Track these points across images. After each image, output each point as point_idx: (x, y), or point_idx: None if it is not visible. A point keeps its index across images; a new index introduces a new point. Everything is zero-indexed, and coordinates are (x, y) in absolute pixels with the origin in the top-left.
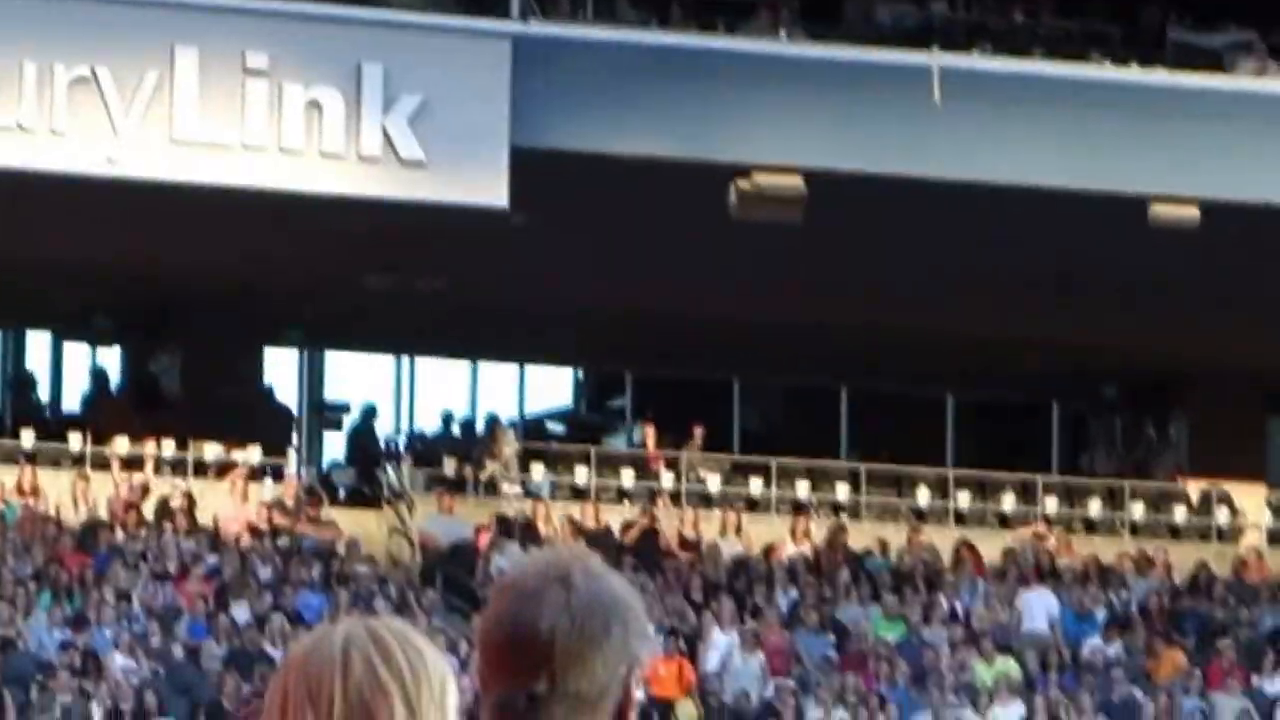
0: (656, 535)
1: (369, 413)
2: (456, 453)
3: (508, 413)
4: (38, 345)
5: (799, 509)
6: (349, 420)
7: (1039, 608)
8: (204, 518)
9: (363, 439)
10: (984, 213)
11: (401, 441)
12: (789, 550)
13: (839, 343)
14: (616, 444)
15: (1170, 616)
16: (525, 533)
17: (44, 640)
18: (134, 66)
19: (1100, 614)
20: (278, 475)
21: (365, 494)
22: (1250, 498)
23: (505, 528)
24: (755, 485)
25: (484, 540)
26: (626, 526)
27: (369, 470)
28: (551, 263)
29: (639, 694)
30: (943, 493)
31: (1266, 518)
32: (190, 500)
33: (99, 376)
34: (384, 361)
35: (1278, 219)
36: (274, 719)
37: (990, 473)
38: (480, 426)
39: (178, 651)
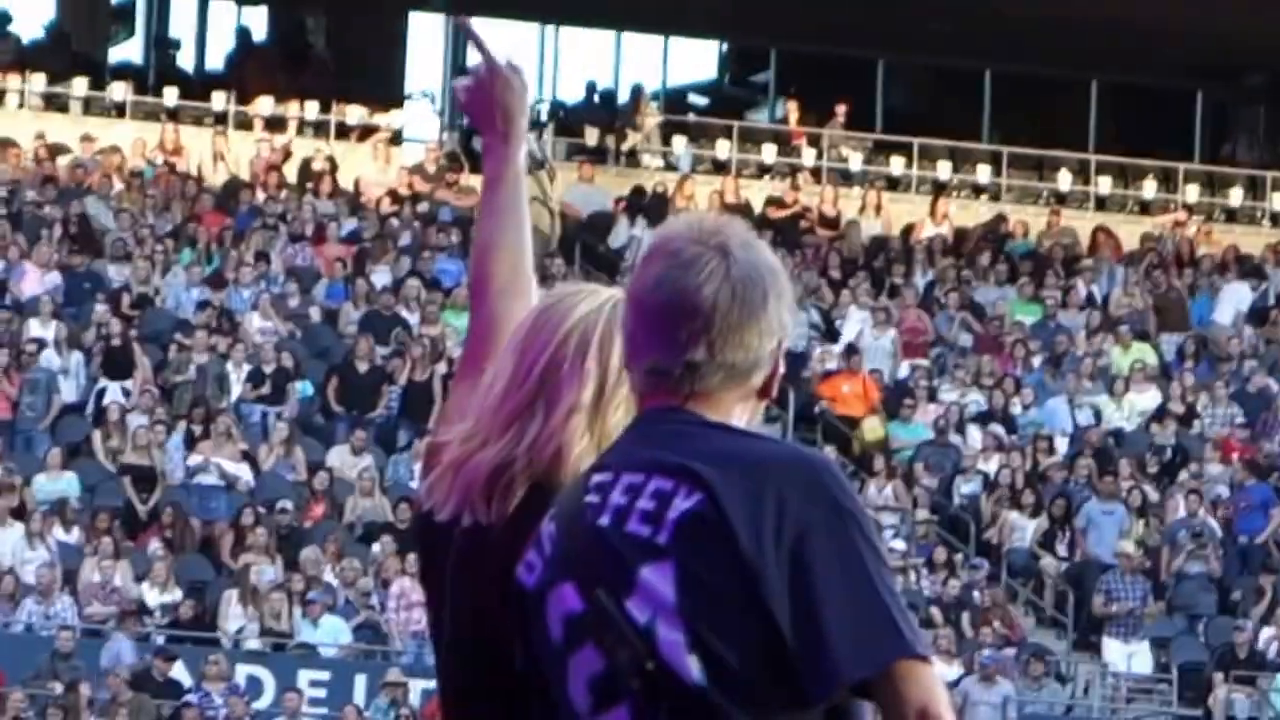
0: (798, 213)
1: None
2: (598, 123)
3: (651, 84)
4: (183, 4)
5: (939, 189)
6: None
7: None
8: (345, 181)
9: None
10: None
11: (544, 110)
12: (928, 230)
13: (983, 24)
14: (759, 118)
15: None
16: (660, 204)
17: (181, 298)
18: None
19: (1237, 303)
20: (419, 140)
21: None
22: None
23: (640, 199)
24: (896, 164)
25: (620, 210)
26: (776, 203)
27: None
28: None
29: (782, 367)
30: (1084, 177)
31: None
32: (332, 163)
33: (244, 35)
34: (528, 29)
35: None
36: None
37: (1132, 159)
38: (623, 97)
39: (315, 314)
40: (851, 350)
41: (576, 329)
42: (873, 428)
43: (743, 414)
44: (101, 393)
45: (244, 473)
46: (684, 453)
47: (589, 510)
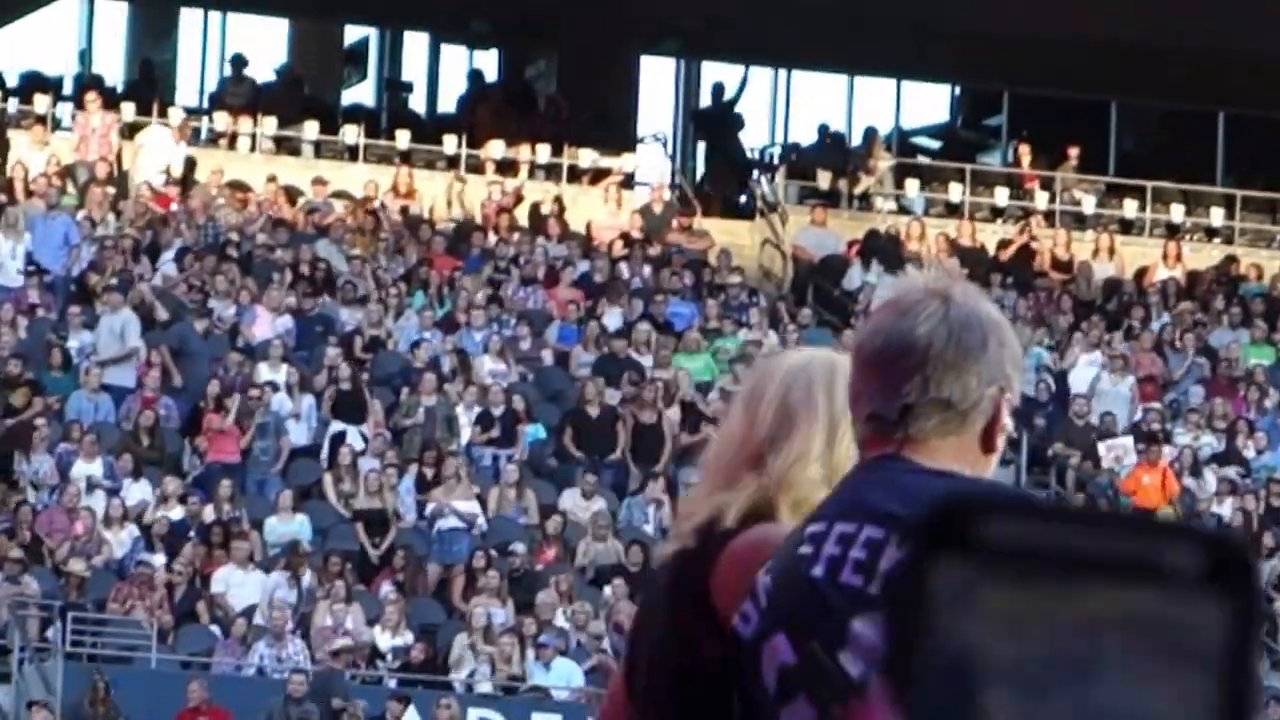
0: (1031, 255)
1: (741, 123)
2: (830, 166)
3: (884, 127)
4: (415, 47)
5: (1173, 232)
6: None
7: None
8: (576, 224)
9: (737, 148)
10: None
11: (776, 153)
12: (1160, 273)
13: (1219, 65)
14: (991, 161)
15: None
16: (894, 247)
17: (413, 341)
18: None
19: None
20: (649, 184)
21: (738, 205)
22: None
23: (875, 242)
24: (1130, 207)
25: (853, 254)
26: (1003, 244)
27: (742, 181)
28: None
29: (1009, 421)
30: None
31: None
32: (562, 206)
33: (475, 79)
34: (762, 73)
35: None
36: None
37: None
38: (855, 140)
39: (547, 357)
40: (1152, 440)
41: (801, 373)
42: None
43: (964, 468)
44: (338, 436)
45: (477, 514)
46: (896, 500)
47: (803, 561)
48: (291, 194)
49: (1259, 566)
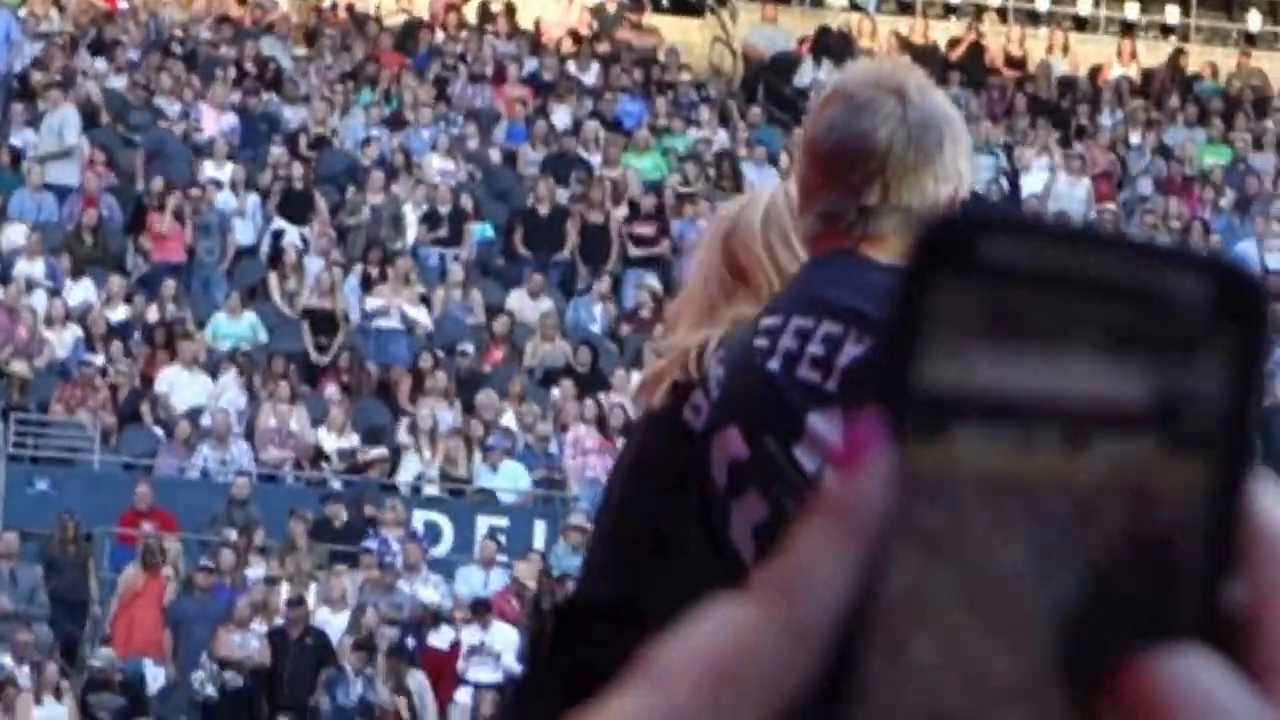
0: (983, 52)
1: None
2: None
3: None
4: None
5: (1127, 29)
6: None
7: None
8: (525, 21)
9: None
10: None
11: None
12: (1115, 71)
13: None
14: None
15: None
16: (845, 44)
17: (359, 139)
18: None
19: None
20: None
21: (688, 1)
22: None
23: (826, 39)
24: (1084, 3)
25: (805, 51)
26: (953, 43)
27: None
28: None
29: None
30: (1275, 17)
31: None
32: (511, 3)
33: None
34: None
35: None
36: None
37: None
38: None
39: (495, 155)
40: None
41: (773, 204)
42: None
43: None
44: (282, 234)
45: (421, 316)
46: (855, 296)
47: (758, 354)
48: None
49: (1273, 306)
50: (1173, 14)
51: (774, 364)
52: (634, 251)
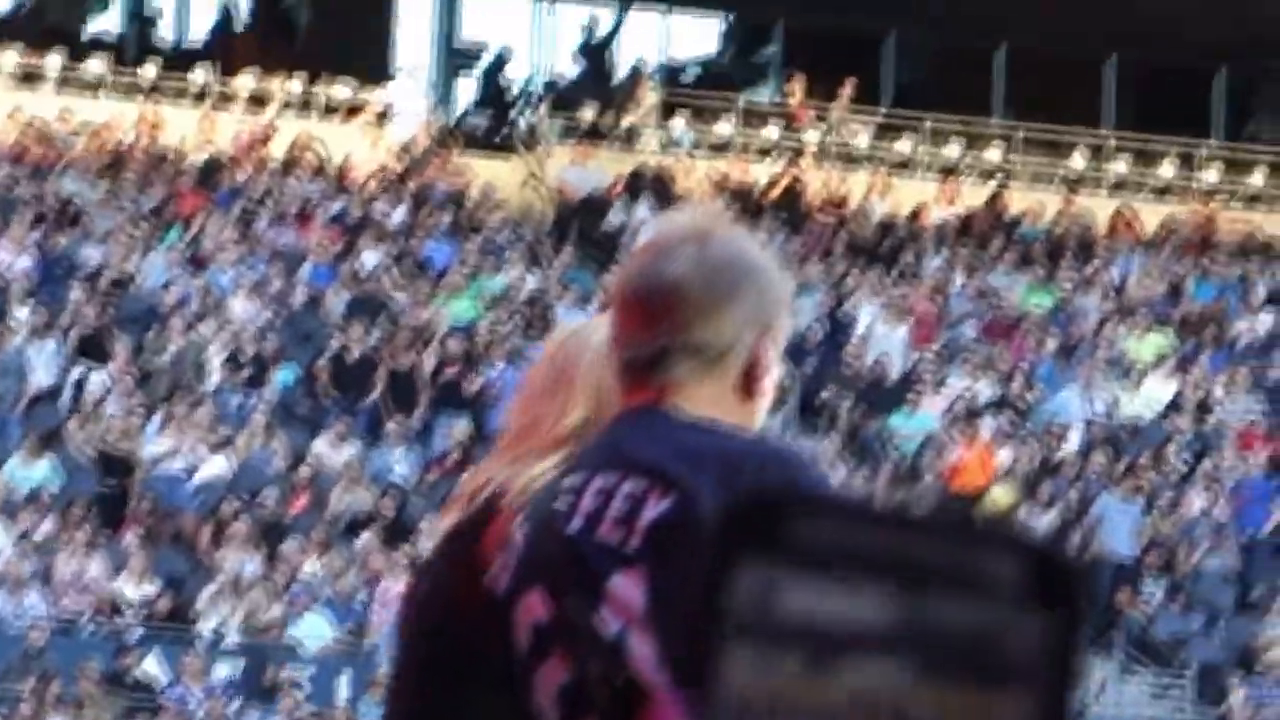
0: (800, 194)
1: (504, 55)
2: (595, 100)
3: (651, 59)
4: None
5: (949, 171)
6: (483, 63)
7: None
8: (333, 160)
9: (497, 83)
10: None
11: (538, 86)
12: (936, 213)
13: None
14: (762, 96)
15: None
16: (661, 186)
17: (161, 280)
18: None
19: (1260, 290)
20: (407, 119)
21: (499, 140)
22: None
23: (641, 180)
24: (905, 144)
25: (618, 191)
26: (770, 184)
27: (503, 115)
28: None
29: (775, 368)
30: (1100, 158)
31: None
32: (312, 145)
33: (226, 9)
34: (521, 3)
35: None
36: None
37: (1150, 138)
38: (621, 74)
39: (300, 297)
40: (971, 417)
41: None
42: (1002, 496)
43: (726, 415)
44: (82, 378)
45: (220, 463)
46: (657, 453)
47: (558, 517)
48: (36, 128)
49: (1088, 584)
50: (995, 155)
51: (575, 525)
52: (443, 397)
